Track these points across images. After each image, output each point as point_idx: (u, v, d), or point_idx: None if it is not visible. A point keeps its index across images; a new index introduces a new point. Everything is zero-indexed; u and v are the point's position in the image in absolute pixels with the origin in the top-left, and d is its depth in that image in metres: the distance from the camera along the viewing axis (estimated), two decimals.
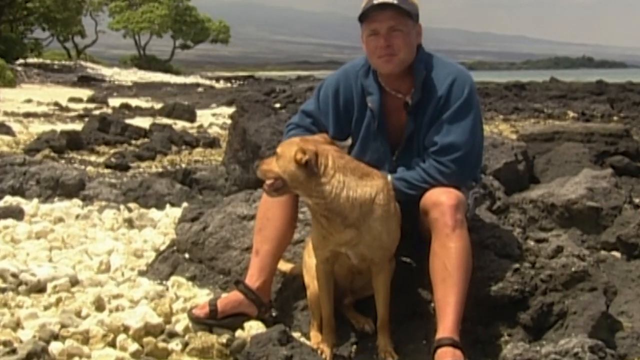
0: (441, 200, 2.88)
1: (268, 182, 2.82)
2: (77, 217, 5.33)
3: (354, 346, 3.10)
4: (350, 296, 3.17)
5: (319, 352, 2.94)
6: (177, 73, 56.48)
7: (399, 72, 3.06)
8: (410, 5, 2.99)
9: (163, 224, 5.22)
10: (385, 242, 2.88)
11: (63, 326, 3.13)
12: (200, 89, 33.30)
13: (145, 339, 3.08)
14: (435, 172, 2.99)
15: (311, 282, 3.05)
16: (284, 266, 3.39)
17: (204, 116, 17.70)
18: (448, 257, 2.84)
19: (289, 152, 2.77)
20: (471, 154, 3.05)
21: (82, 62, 51.88)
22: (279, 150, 2.83)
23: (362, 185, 2.80)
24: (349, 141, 3.37)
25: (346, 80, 3.20)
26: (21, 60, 42.27)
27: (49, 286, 3.64)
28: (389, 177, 3.02)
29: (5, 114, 16.15)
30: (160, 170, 8.79)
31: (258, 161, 2.81)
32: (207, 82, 43.83)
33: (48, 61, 48.17)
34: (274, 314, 3.31)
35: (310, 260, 3.07)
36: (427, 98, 3.05)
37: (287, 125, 3.33)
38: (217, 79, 48.96)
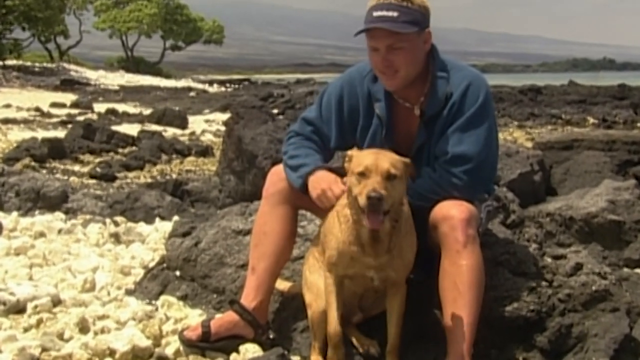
0: (451, 213, 2.88)
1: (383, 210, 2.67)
2: (60, 231, 5.34)
3: None
4: (359, 314, 3.16)
5: None
6: (167, 76, 56.65)
7: (404, 86, 3.07)
8: (413, 15, 2.95)
9: (152, 239, 5.22)
10: (409, 262, 2.90)
11: (44, 349, 3.13)
12: (192, 94, 33.43)
13: None
14: (447, 183, 3.00)
15: (313, 300, 3.04)
16: (282, 285, 3.39)
17: (196, 123, 17.76)
18: (459, 275, 2.84)
19: (400, 165, 2.73)
20: (485, 166, 3.06)
21: (65, 64, 52.03)
22: (388, 169, 2.68)
23: None
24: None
25: (351, 87, 3.21)
26: None
27: (29, 306, 3.64)
28: None
29: None
30: (149, 181, 8.82)
31: (373, 192, 2.60)
32: (200, 85, 44.01)
33: (28, 63, 48.31)
34: (271, 336, 3.30)
35: (312, 277, 3.07)
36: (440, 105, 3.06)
37: (287, 132, 3.35)
38: (211, 83, 49.15)
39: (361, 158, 2.73)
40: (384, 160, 2.70)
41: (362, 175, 2.67)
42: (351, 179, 2.73)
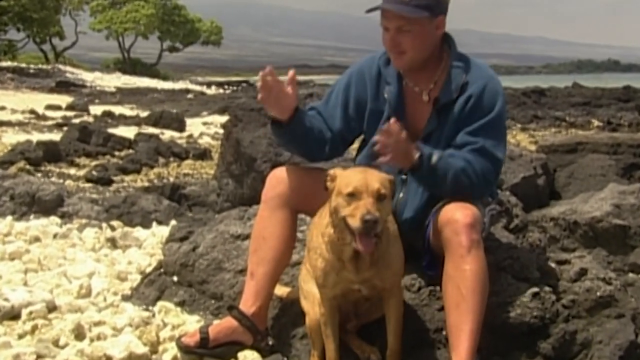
0: (456, 217, 2.88)
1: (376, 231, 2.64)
2: (55, 236, 5.34)
3: None
4: (354, 320, 3.16)
5: None
6: (164, 78, 56.59)
7: (411, 68, 3.11)
8: (426, 0, 2.99)
9: (149, 244, 5.23)
10: (397, 269, 2.90)
11: (39, 356, 3.14)
12: (190, 96, 33.38)
13: None
14: (480, 168, 2.99)
15: (310, 308, 3.05)
16: (280, 290, 3.39)
17: (194, 125, 17.76)
18: (463, 281, 2.84)
19: (388, 184, 2.70)
20: (501, 168, 3.14)
21: (61, 66, 51.97)
22: (379, 189, 2.64)
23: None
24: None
25: (359, 74, 3.25)
26: None
27: (24, 312, 3.64)
28: (435, 156, 2.92)
29: None
30: (146, 184, 8.83)
31: (369, 215, 2.56)
32: (198, 87, 43.94)
33: (23, 65, 48.26)
34: (270, 342, 3.30)
35: (307, 286, 3.07)
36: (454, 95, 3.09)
37: None
38: (209, 85, 49.06)
39: (348, 178, 2.68)
40: (374, 179, 2.66)
41: (352, 196, 2.63)
42: (338, 200, 2.67)
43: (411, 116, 3.15)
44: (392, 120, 2.83)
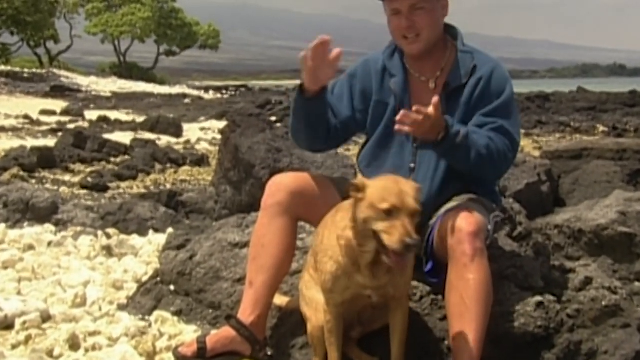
0: (460, 225, 2.89)
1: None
2: (50, 244, 5.35)
3: None
4: (358, 327, 3.15)
5: None
6: (161, 82, 56.70)
7: (424, 52, 3.18)
8: None
9: (145, 252, 5.23)
10: (409, 277, 2.90)
11: None
12: (187, 100, 33.45)
13: None
14: (501, 145, 3.03)
15: (313, 315, 3.04)
16: (280, 299, 3.39)
17: (191, 131, 17.78)
18: (466, 290, 2.84)
19: (420, 197, 2.67)
20: (517, 151, 3.17)
21: (56, 70, 52.05)
22: (416, 209, 2.62)
23: None
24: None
25: (364, 68, 3.31)
26: None
27: (18, 322, 3.64)
28: (461, 129, 2.94)
29: None
30: (142, 191, 8.84)
31: (410, 239, 2.53)
32: (195, 92, 44.03)
33: (17, 69, 48.35)
34: (269, 352, 3.30)
35: (309, 293, 3.07)
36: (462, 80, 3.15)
37: None
38: (206, 89, 49.14)
39: (383, 192, 2.63)
40: (410, 197, 2.62)
41: (389, 213, 2.59)
42: (370, 213, 2.63)
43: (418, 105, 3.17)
44: (435, 99, 2.83)
